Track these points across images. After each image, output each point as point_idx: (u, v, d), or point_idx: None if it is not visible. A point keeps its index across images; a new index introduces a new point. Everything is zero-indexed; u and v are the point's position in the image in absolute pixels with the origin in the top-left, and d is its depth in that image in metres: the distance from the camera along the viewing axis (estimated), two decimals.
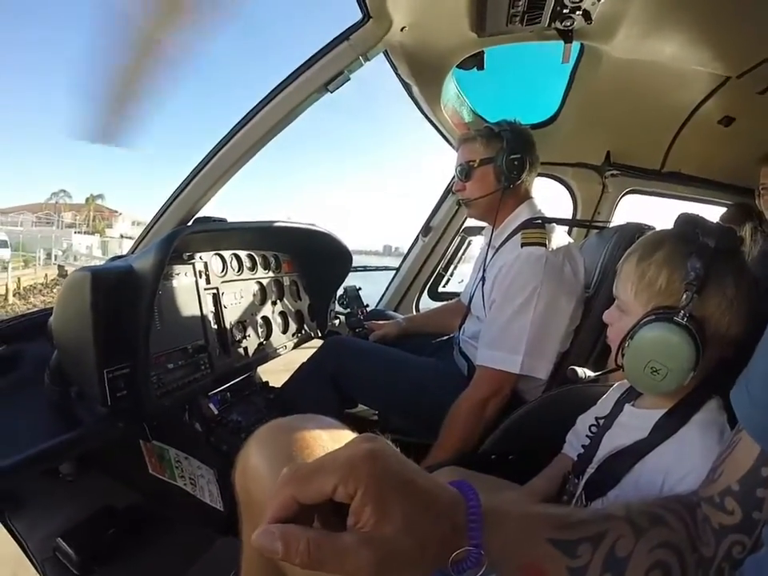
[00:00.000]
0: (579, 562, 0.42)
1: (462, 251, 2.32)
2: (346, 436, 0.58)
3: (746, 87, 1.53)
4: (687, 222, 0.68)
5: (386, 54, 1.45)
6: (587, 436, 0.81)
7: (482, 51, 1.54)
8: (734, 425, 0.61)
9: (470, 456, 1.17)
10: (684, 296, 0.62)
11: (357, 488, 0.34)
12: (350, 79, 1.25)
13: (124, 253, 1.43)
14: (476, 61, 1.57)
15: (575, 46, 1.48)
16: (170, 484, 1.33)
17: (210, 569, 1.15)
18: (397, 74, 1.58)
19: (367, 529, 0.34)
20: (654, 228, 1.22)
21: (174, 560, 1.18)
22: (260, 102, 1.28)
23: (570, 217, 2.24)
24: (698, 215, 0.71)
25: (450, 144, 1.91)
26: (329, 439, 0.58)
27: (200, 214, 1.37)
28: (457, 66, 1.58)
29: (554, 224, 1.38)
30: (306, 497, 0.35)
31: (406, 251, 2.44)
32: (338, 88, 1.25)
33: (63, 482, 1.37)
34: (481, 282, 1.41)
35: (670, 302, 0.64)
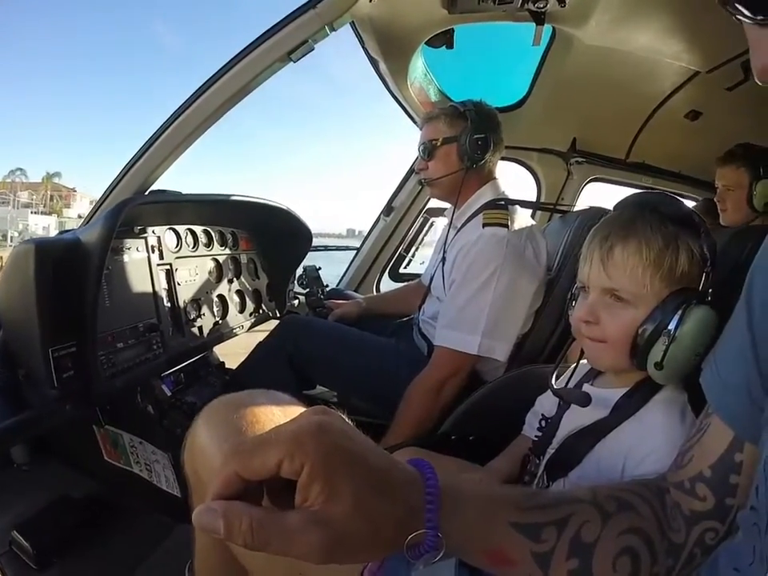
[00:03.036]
0: (544, 546, 0.41)
1: (424, 232, 2.31)
2: (299, 411, 0.56)
3: (715, 83, 1.56)
4: (653, 202, 0.67)
5: (353, 25, 1.40)
6: (542, 420, 0.80)
7: (452, 29, 1.51)
8: (694, 405, 0.62)
9: (430, 437, 1.17)
10: (703, 277, 0.61)
11: (303, 463, 0.32)
12: (313, 49, 1.20)
13: None
14: (445, 39, 1.55)
15: (547, 29, 1.48)
16: (126, 471, 1.29)
17: (169, 557, 1.12)
18: (364, 48, 1.53)
19: (315, 507, 0.32)
20: None
21: (133, 549, 1.15)
22: (220, 68, 1.21)
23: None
24: (650, 194, 0.71)
25: (415, 122, 1.88)
26: (281, 415, 0.55)
27: (155, 187, 1.29)
28: (426, 43, 1.55)
29: (517, 206, 1.38)
30: (249, 472, 0.32)
31: None
32: (301, 57, 1.19)
33: (18, 471, 1.33)
34: (441, 263, 1.40)
35: (685, 284, 0.62)
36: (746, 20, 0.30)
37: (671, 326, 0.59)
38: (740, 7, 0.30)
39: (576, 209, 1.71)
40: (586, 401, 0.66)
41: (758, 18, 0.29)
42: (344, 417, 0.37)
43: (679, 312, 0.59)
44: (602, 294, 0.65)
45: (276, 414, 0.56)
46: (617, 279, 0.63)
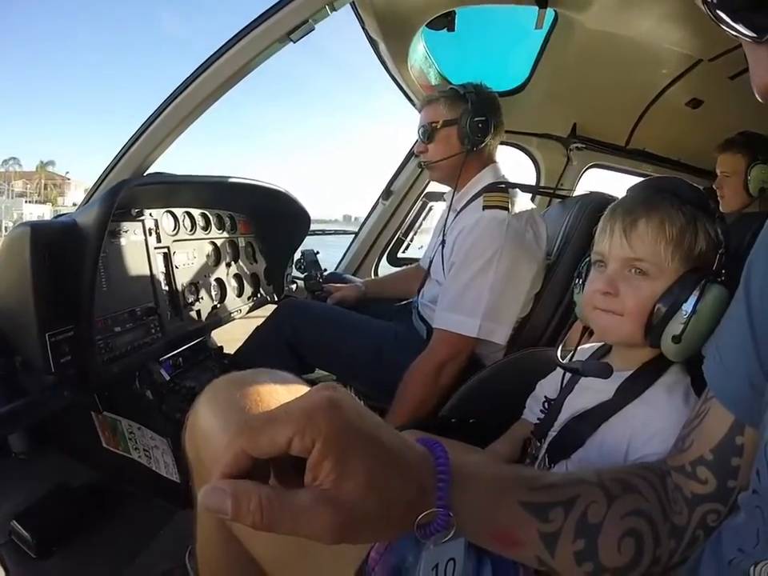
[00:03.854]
0: (551, 527, 0.40)
1: (422, 216, 2.30)
2: (303, 390, 0.55)
3: (718, 71, 1.55)
4: (671, 186, 0.67)
5: (353, 6, 1.38)
6: (545, 403, 0.80)
7: (454, 12, 1.48)
8: (697, 387, 0.62)
9: (430, 420, 1.17)
10: (717, 259, 0.62)
11: (314, 440, 0.31)
12: (314, 29, 1.17)
13: None
14: (447, 21, 1.52)
15: (549, 13, 1.45)
16: (125, 457, 1.29)
17: (170, 543, 1.12)
18: (364, 29, 1.51)
19: (326, 486, 0.31)
20: (617, 199, 1.23)
21: (133, 537, 1.15)
22: (220, 48, 1.18)
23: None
24: (666, 179, 0.71)
25: (415, 105, 1.85)
26: (286, 393, 0.54)
27: (153, 170, 1.27)
28: (427, 26, 1.52)
29: (517, 190, 1.37)
30: (258, 450, 0.31)
31: None
32: (301, 37, 1.17)
33: (16, 460, 1.32)
34: (441, 246, 1.39)
35: (700, 264, 0.63)
36: (745, 39, 0.29)
37: (691, 301, 0.59)
38: (738, 26, 0.29)
39: (575, 194, 1.70)
40: (607, 371, 0.65)
41: (757, 36, 0.28)
42: (352, 394, 0.36)
43: (698, 288, 0.59)
44: (623, 266, 0.65)
45: (281, 392, 0.55)
46: (640, 250, 0.63)
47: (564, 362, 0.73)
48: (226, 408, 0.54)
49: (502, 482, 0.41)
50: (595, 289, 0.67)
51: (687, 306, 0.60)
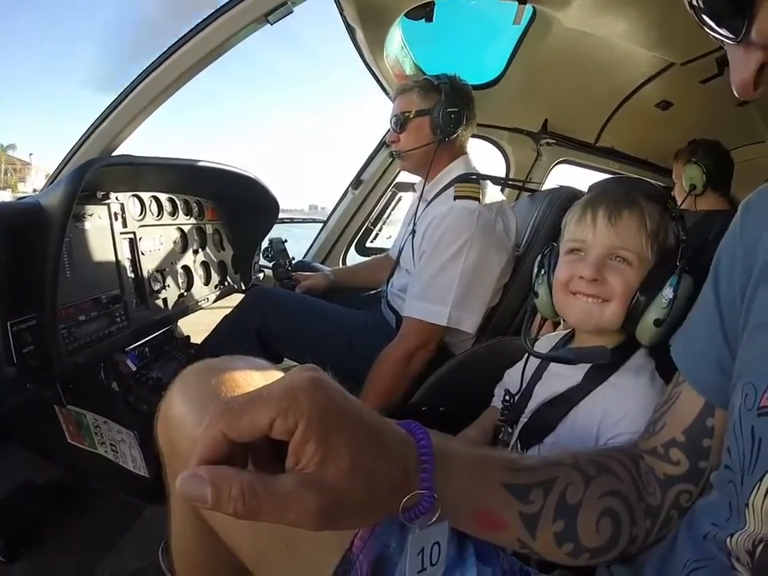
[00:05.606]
0: (532, 508, 0.42)
1: (391, 206, 2.30)
2: (279, 376, 0.54)
3: (689, 75, 1.61)
4: (635, 184, 0.72)
5: None
6: (505, 396, 0.82)
7: (433, 2, 1.48)
8: (662, 371, 0.65)
9: (401, 408, 1.19)
10: (679, 253, 0.67)
11: (297, 421, 0.30)
12: (292, 11, 1.15)
13: None
14: (425, 11, 1.51)
15: (528, 9, 1.47)
16: (91, 452, 1.24)
17: (140, 540, 1.10)
18: (342, 15, 1.49)
19: (309, 470, 0.30)
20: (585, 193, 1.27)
21: (102, 534, 1.12)
22: (193, 28, 1.14)
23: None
24: (627, 178, 0.76)
25: (388, 95, 1.85)
26: (262, 379, 0.51)
27: (119, 152, 1.22)
28: (405, 15, 1.51)
29: (488, 181, 1.38)
30: (238, 432, 0.30)
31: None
32: (279, 19, 1.14)
33: None
34: (411, 235, 1.40)
35: (668, 256, 0.68)
36: (726, 40, 0.32)
37: (670, 288, 0.64)
38: (719, 29, 0.32)
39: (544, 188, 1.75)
40: (605, 356, 0.67)
41: (734, 38, 0.31)
42: (332, 377, 0.34)
43: (675, 276, 0.64)
44: (606, 254, 0.67)
45: (256, 378, 0.52)
46: (625, 239, 0.67)
47: (537, 362, 0.77)
48: (200, 396, 0.51)
49: (484, 463, 0.42)
50: (578, 275, 0.69)
51: (667, 293, 0.64)
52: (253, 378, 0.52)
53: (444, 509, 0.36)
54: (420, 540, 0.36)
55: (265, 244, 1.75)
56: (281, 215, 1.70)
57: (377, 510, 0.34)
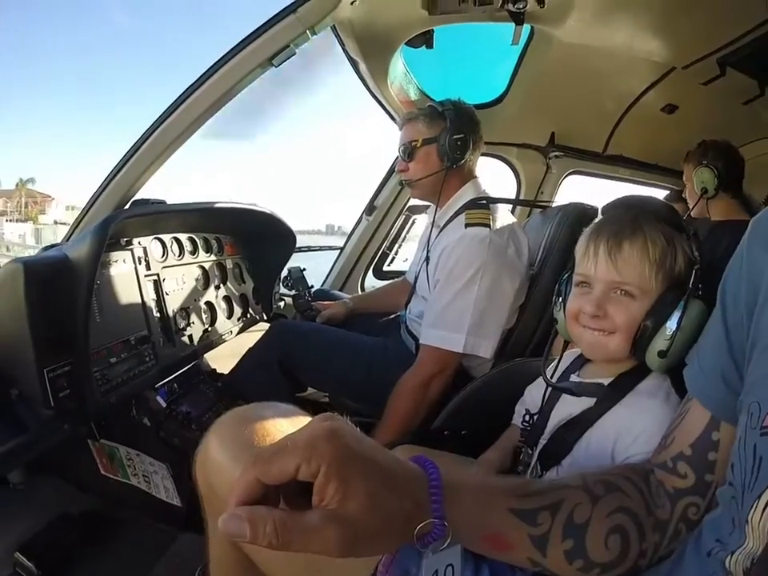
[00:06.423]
0: (540, 530, 0.44)
1: (406, 230, 2.33)
2: (304, 420, 0.58)
3: (691, 78, 1.61)
4: (644, 204, 0.71)
5: (333, 28, 1.40)
6: (525, 416, 0.83)
7: (432, 29, 1.52)
8: (678, 388, 0.65)
9: (423, 433, 1.19)
10: (693, 275, 0.65)
11: (319, 466, 0.34)
12: (295, 53, 1.20)
13: (59, 240, 1.33)
14: (425, 39, 1.55)
15: (525, 28, 1.49)
16: (124, 483, 1.29)
17: (174, 566, 1.13)
18: (344, 49, 1.53)
19: (332, 506, 0.34)
20: (596, 208, 1.27)
21: (137, 561, 1.16)
22: (201, 75, 1.20)
23: (513, 196, 2.28)
24: (638, 197, 0.76)
25: (396, 122, 1.88)
26: (289, 425, 0.58)
27: (138, 196, 1.28)
28: (405, 44, 1.55)
29: (498, 204, 1.40)
30: (270, 477, 0.35)
31: (349, 230, 2.41)
32: (283, 62, 1.19)
33: (14, 491, 1.31)
34: (425, 263, 1.42)
35: (679, 281, 0.66)
36: None
37: (675, 318, 0.63)
38: None
39: (555, 204, 1.75)
40: (599, 392, 0.69)
41: None
42: (348, 421, 0.39)
43: (681, 305, 0.63)
44: (609, 288, 0.68)
45: (284, 425, 0.58)
46: (626, 274, 0.66)
47: (554, 382, 0.77)
48: (234, 443, 0.58)
49: (491, 491, 0.45)
50: (583, 310, 0.69)
51: (671, 323, 0.63)
52: (282, 424, 0.59)
53: (455, 534, 0.39)
54: (434, 563, 0.40)
55: (284, 273, 1.79)
56: (298, 237, 1.74)
57: (393, 538, 0.38)
